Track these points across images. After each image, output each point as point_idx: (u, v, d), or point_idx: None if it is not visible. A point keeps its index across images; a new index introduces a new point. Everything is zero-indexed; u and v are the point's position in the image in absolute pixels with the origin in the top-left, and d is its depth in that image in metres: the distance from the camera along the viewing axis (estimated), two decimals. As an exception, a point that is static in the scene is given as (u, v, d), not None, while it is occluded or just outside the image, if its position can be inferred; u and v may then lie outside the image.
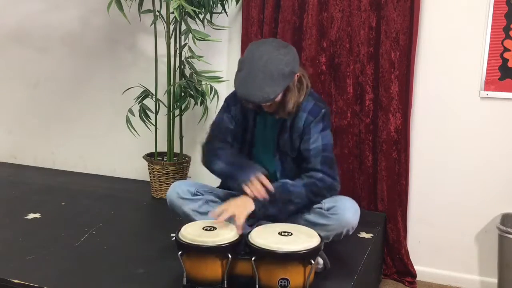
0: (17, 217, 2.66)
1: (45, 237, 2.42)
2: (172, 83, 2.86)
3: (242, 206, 1.97)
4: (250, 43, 2.11)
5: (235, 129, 2.23)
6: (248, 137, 2.23)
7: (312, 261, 1.80)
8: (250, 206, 1.98)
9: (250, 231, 1.93)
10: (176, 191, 2.21)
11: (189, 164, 3.04)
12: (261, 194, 2.00)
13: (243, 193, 2.02)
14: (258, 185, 2.01)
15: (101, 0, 3.04)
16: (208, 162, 2.25)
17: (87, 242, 2.37)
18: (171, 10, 2.57)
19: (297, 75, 2.05)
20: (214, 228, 1.93)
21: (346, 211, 2.04)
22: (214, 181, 2.36)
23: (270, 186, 2.02)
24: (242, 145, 2.25)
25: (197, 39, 2.63)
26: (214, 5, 2.78)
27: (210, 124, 2.32)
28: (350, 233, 2.08)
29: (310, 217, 2.10)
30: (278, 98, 2.00)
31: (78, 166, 3.59)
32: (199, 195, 2.20)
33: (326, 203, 2.08)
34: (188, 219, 2.17)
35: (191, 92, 2.80)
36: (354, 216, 2.05)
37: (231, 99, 2.26)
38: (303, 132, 2.12)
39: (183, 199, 2.19)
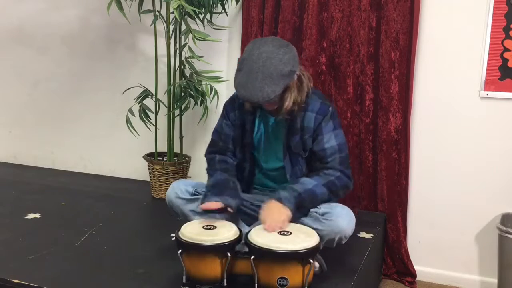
0: (17, 217, 2.66)
1: (45, 237, 2.42)
2: (172, 83, 2.87)
3: (280, 218, 1.95)
4: (251, 41, 2.10)
5: (235, 135, 2.23)
6: (248, 141, 2.22)
7: (311, 261, 1.80)
8: (286, 215, 1.96)
9: (250, 230, 1.93)
10: (175, 191, 2.21)
11: (189, 164, 3.04)
12: None
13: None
14: None
15: (101, 0, 3.04)
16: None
17: (87, 242, 2.37)
18: (171, 10, 2.57)
19: (297, 74, 2.04)
20: (214, 227, 1.93)
21: (340, 218, 2.02)
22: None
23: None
24: (243, 150, 2.24)
25: (197, 39, 2.63)
26: (214, 5, 2.77)
27: (213, 130, 2.32)
28: (343, 241, 2.06)
29: (305, 220, 2.08)
30: (278, 97, 2.00)
31: (78, 166, 3.59)
32: (197, 195, 2.19)
33: (322, 208, 2.06)
34: (187, 219, 2.16)
35: (191, 92, 2.80)
36: (349, 224, 2.03)
37: (229, 105, 2.25)
38: (314, 133, 2.11)
39: (182, 199, 2.19)
